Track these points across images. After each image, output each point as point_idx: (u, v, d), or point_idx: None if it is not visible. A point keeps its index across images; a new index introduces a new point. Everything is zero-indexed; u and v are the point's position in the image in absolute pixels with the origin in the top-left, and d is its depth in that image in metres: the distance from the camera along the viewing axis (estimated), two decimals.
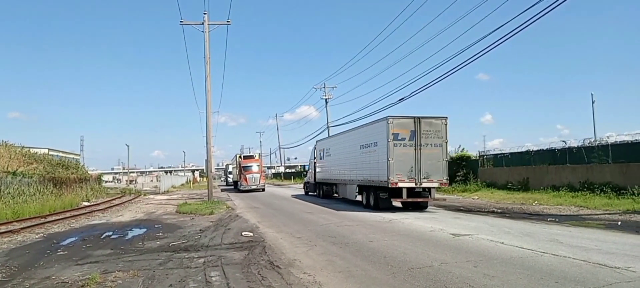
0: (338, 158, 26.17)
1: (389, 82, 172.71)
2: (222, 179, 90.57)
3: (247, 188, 41.51)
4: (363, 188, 21.64)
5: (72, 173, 38.56)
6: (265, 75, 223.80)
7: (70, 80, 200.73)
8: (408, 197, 18.45)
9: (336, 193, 27.35)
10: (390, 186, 18.22)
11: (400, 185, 18.17)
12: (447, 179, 19.10)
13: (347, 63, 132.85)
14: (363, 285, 7.01)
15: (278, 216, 18.87)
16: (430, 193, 18.95)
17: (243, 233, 13.40)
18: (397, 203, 19.44)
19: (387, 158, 18.27)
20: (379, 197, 19.47)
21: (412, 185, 18.28)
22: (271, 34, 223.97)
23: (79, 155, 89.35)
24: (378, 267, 8.30)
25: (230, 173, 64.93)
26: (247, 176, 41.97)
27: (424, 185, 18.42)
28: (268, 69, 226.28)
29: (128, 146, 79.35)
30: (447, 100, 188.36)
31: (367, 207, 20.74)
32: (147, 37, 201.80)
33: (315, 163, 32.09)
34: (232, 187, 54.08)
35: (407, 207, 19.53)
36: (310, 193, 33.56)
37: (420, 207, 19.29)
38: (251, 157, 47.94)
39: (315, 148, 32.84)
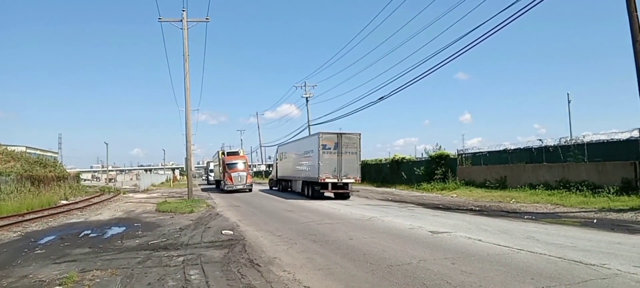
0: (291, 161, 33.51)
1: (369, 81, 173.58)
2: (203, 178, 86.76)
3: (231, 188, 37.01)
4: (305, 183, 28.69)
5: (50, 171, 37.97)
6: (245, 73, 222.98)
7: (48, 77, 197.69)
8: (332, 189, 25.52)
9: (290, 187, 33.96)
10: (320, 181, 25.29)
11: (327, 180, 25.29)
12: (359, 177, 26.38)
13: (328, 61, 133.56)
14: (342, 283, 7.06)
15: (258, 214, 18.85)
16: (348, 187, 25.96)
17: (223, 232, 13.38)
18: (329, 194, 26.09)
19: (318, 162, 25.37)
20: (314, 189, 26.30)
21: (335, 180, 25.35)
22: (251, 32, 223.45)
23: (57, 153, 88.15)
24: (357, 264, 8.36)
25: (211, 171, 61.15)
26: (232, 174, 37.22)
27: (344, 181, 25.55)
28: (248, 67, 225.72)
29: (107, 144, 78.95)
30: (427, 99, 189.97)
31: (307, 197, 27.62)
32: (125, 34, 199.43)
33: (277, 164, 39.81)
34: (214, 186, 51.08)
35: (337, 197, 26.21)
36: (273, 188, 40.87)
37: (343, 197, 26.09)
38: (236, 153, 42.44)
39: (277, 151, 40.70)
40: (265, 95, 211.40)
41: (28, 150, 52.96)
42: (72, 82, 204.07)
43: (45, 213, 20.68)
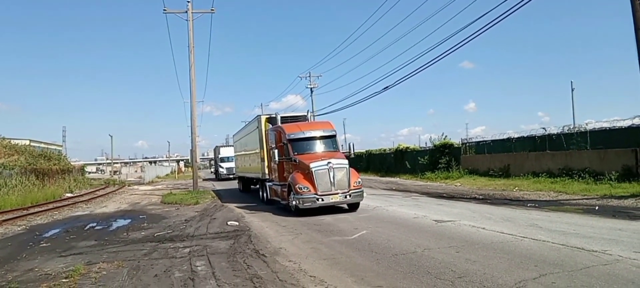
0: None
1: (374, 71, 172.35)
2: (211, 171, 68.68)
3: (311, 202, 13.90)
4: None
5: (55, 164, 38.08)
6: (250, 63, 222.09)
7: (52, 69, 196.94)
8: None
9: None
10: None
11: None
12: None
13: (332, 51, 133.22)
14: (348, 272, 7.12)
15: (263, 205, 18.88)
16: None
17: (229, 223, 13.45)
18: None
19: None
20: None
21: None
22: (256, 23, 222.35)
23: (62, 146, 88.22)
24: (362, 253, 8.42)
25: (223, 160, 44.16)
26: (313, 167, 14.08)
27: None
28: (254, 57, 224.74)
29: (111, 136, 78.70)
30: (431, 88, 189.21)
31: None
32: (130, 25, 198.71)
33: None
34: (239, 187, 28.37)
35: None
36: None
37: None
38: (301, 118, 19.13)
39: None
40: (270, 85, 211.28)
41: (32, 144, 53.14)
42: (76, 75, 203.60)
43: (50, 206, 20.82)
